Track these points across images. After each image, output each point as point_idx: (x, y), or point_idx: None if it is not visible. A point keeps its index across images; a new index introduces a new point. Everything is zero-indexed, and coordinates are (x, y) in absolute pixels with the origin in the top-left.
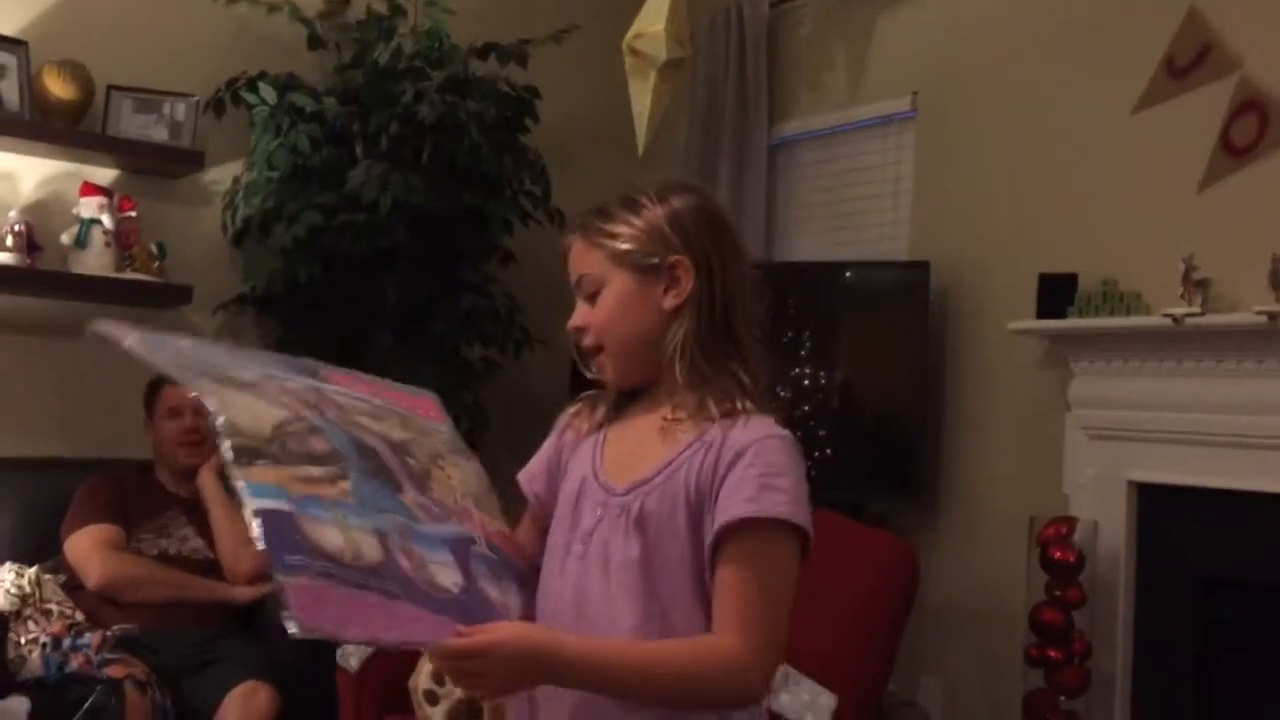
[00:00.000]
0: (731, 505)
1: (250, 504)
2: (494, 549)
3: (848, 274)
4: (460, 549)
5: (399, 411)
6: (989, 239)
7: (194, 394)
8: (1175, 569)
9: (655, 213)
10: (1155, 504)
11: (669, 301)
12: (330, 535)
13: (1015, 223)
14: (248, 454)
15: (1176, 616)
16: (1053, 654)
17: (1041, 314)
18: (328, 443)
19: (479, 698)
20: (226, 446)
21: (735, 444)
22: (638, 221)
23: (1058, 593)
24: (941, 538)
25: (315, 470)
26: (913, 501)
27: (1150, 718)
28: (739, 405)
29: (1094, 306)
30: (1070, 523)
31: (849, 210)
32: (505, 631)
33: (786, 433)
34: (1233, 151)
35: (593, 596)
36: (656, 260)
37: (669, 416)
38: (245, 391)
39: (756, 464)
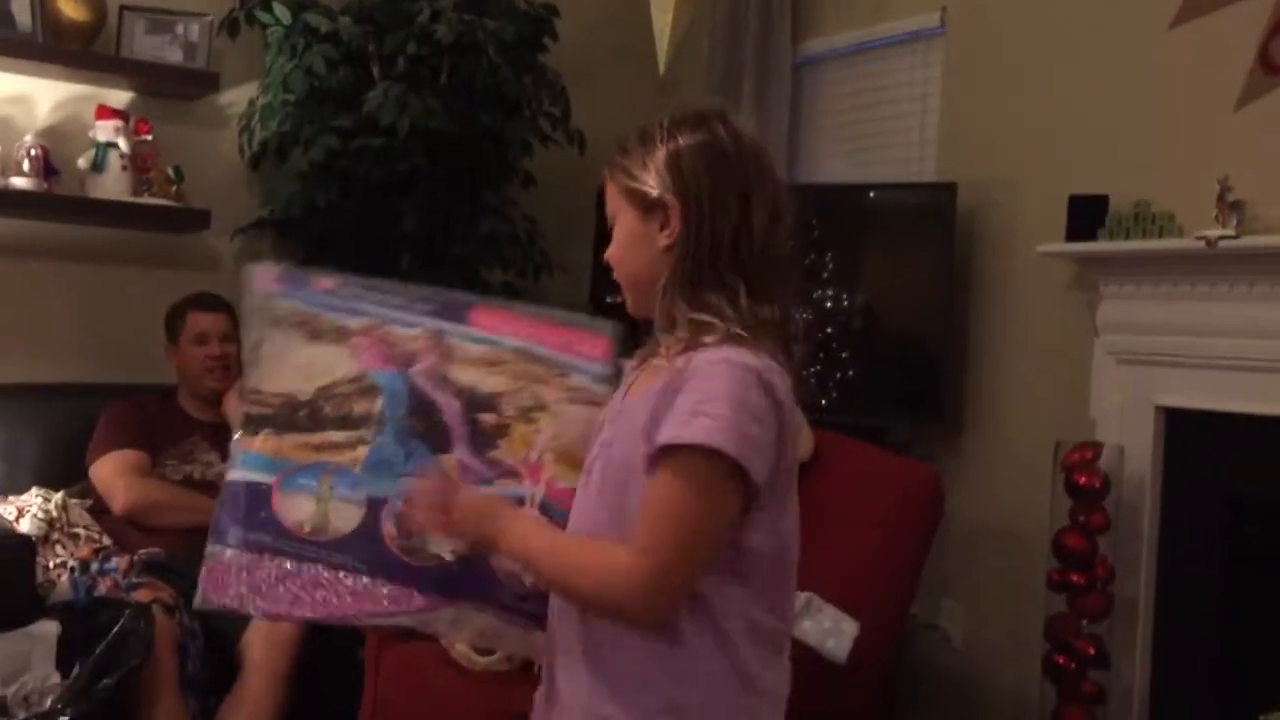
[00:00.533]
0: (662, 432)
1: (230, 474)
2: (549, 507)
3: (871, 195)
4: None
5: (537, 353)
6: (1018, 159)
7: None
8: (1202, 494)
9: (660, 151)
10: (1183, 429)
11: (663, 240)
12: (301, 507)
13: (1045, 143)
14: (255, 423)
15: (1202, 541)
16: (1075, 579)
17: (1071, 236)
18: (374, 404)
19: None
20: (243, 413)
21: (688, 374)
22: (646, 158)
23: (1081, 518)
24: (965, 462)
25: (337, 435)
26: (937, 426)
27: (1173, 642)
28: (716, 337)
29: (1125, 229)
30: (1096, 448)
31: (875, 130)
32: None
33: (746, 359)
34: (1271, 69)
35: (581, 525)
36: (655, 197)
37: (657, 352)
38: (329, 343)
39: (696, 391)
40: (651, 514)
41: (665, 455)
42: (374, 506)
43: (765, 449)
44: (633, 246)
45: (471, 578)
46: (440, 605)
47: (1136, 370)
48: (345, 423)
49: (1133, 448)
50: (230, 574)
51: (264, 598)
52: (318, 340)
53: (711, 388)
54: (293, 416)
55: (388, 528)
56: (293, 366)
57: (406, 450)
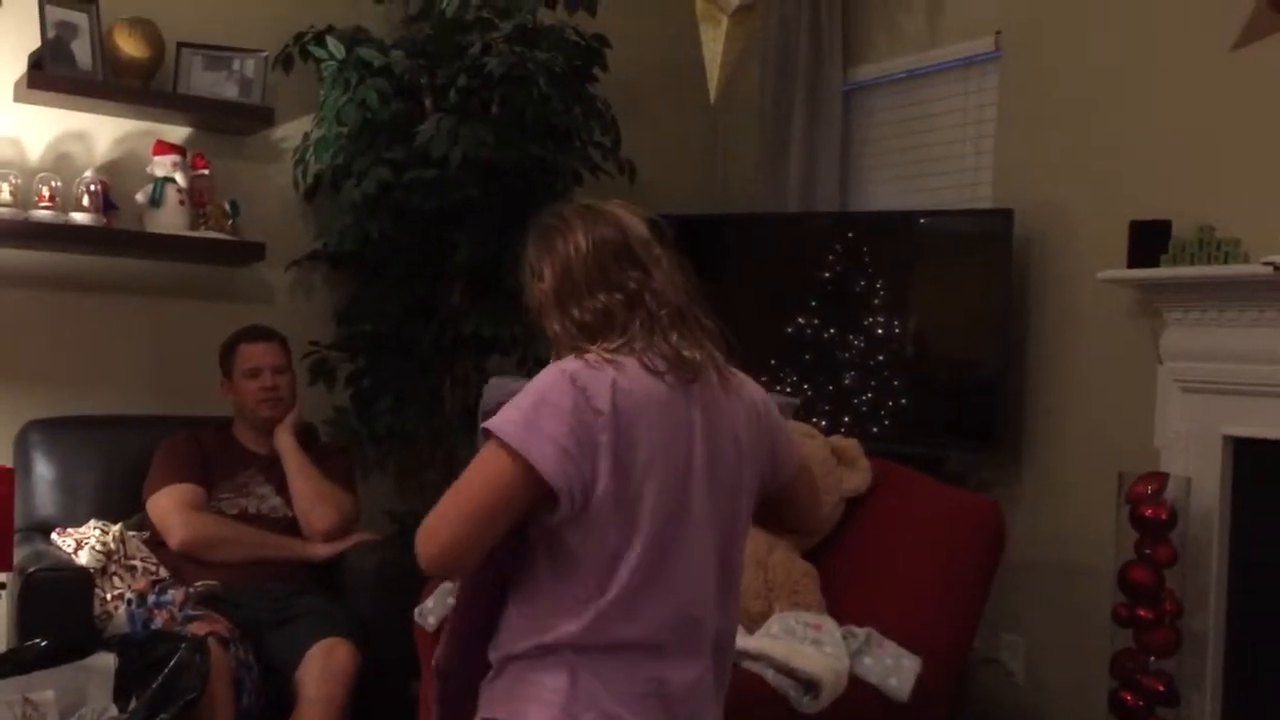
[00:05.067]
0: None
1: None
2: None
3: (921, 221)
4: None
5: None
6: (1077, 185)
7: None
8: (1273, 527)
9: None
10: (1252, 460)
11: None
12: None
13: (1105, 168)
14: None
15: (1273, 575)
16: (1142, 614)
17: (1133, 263)
18: None
19: None
20: None
21: None
22: None
23: (1148, 551)
24: (1024, 493)
25: None
26: (993, 455)
27: (1245, 679)
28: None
29: (1189, 255)
30: (1161, 479)
31: (928, 156)
32: None
33: (567, 366)
34: None
35: None
36: None
37: None
38: None
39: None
40: (453, 486)
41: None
42: None
43: (529, 434)
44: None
45: None
46: None
47: (1202, 399)
48: None
49: (1200, 479)
50: None
51: None
52: None
53: (529, 387)
54: None
55: None
56: None
57: None
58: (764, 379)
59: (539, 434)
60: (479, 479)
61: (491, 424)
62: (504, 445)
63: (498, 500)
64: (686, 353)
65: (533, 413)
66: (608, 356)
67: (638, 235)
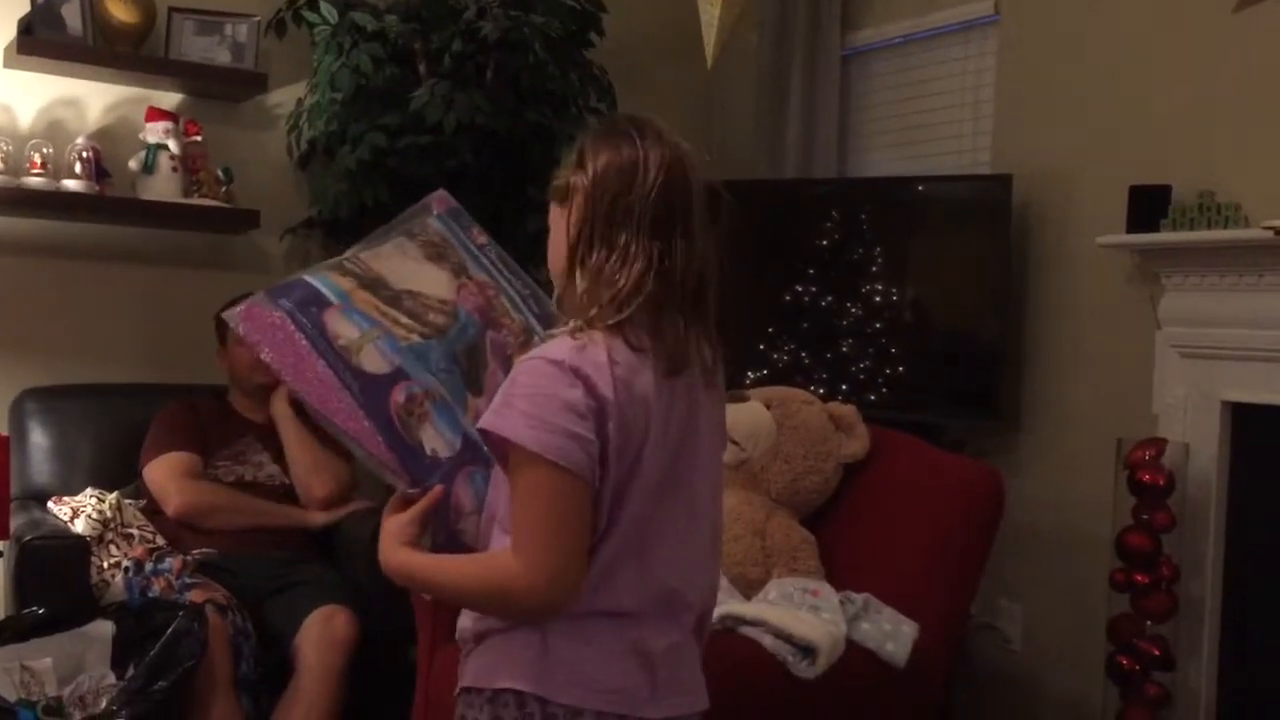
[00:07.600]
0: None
1: (303, 275)
2: None
3: (920, 187)
4: (470, 454)
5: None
6: (1076, 150)
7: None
8: (1270, 492)
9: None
10: (1250, 425)
11: (572, 225)
12: (346, 329)
13: (1105, 132)
14: (344, 270)
15: (1270, 540)
16: (1139, 579)
17: (1132, 228)
18: (445, 323)
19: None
20: (339, 260)
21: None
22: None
23: (1146, 516)
24: (1023, 460)
25: (403, 319)
26: (992, 422)
27: (1241, 643)
28: (561, 328)
29: (1189, 219)
30: (1160, 445)
31: (927, 122)
32: (388, 517)
33: (559, 356)
34: None
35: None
36: (565, 184)
37: None
38: (442, 270)
39: (509, 381)
40: (513, 510)
41: (510, 448)
42: (398, 374)
43: (557, 439)
44: (553, 241)
45: (435, 480)
46: (396, 468)
47: (1201, 364)
48: (414, 318)
49: (1198, 444)
50: (266, 322)
51: (274, 349)
52: (436, 263)
53: (521, 381)
54: (376, 287)
55: (397, 394)
56: (400, 266)
57: (446, 365)
58: (761, 347)
59: (557, 431)
60: (542, 500)
61: (505, 431)
62: (536, 456)
63: (568, 507)
64: (680, 348)
65: (543, 410)
66: (591, 336)
67: (699, 198)
